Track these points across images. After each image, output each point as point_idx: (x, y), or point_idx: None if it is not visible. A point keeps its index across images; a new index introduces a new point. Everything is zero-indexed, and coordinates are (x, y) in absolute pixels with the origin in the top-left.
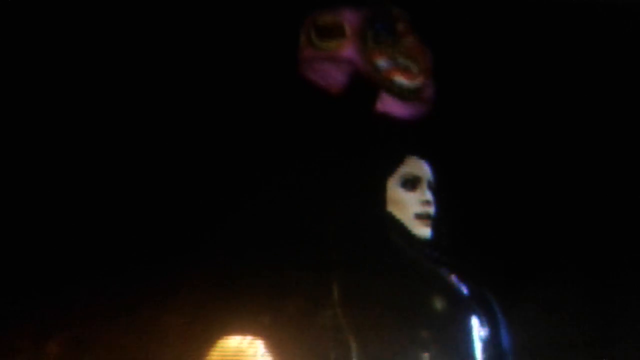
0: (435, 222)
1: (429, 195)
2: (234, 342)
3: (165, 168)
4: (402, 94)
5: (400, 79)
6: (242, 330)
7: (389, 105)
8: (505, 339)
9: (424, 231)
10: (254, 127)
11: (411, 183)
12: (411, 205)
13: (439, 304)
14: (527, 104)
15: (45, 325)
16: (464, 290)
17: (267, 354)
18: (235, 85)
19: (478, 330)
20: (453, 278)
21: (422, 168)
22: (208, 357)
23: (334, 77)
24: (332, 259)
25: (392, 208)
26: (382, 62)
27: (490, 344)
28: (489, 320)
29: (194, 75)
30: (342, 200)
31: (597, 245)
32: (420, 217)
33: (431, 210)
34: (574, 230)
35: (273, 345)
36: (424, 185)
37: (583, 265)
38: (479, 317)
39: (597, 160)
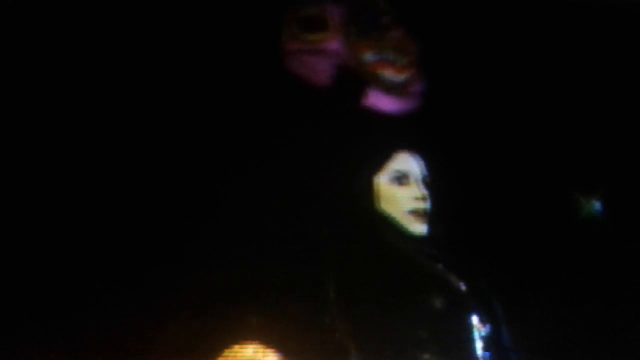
0: (431, 218)
1: (422, 191)
2: (247, 352)
3: (152, 183)
4: (389, 87)
5: (387, 73)
6: (248, 338)
7: (376, 99)
8: (506, 337)
9: (419, 227)
10: (242, 124)
11: (402, 179)
12: (404, 202)
13: (437, 302)
14: (520, 93)
15: (41, 349)
16: (462, 287)
17: None
18: (220, 81)
19: (478, 328)
20: (451, 275)
21: (412, 163)
22: None
23: (319, 70)
24: (325, 259)
25: (385, 205)
26: (367, 56)
27: (491, 342)
28: (488, 317)
29: (181, 73)
30: (331, 198)
31: (601, 239)
32: (414, 213)
33: (425, 206)
34: (576, 225)
35: (280, 352)
36: (416, 181)
37: (588, 260)
38: (479, 315)
39: (594, 150)
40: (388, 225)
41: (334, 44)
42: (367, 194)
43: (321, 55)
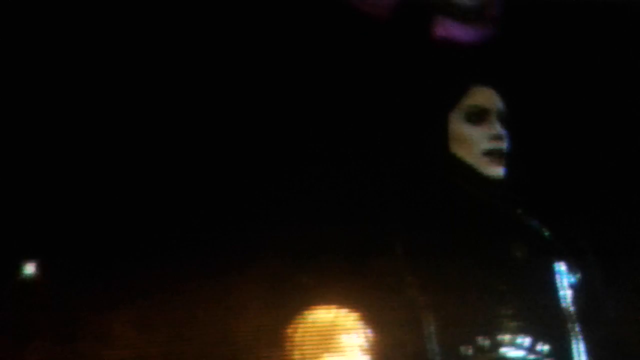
0: (509, 158)
1: (499, 129)
2: (328, 315)
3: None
4: (462, 14)
5: None
6: (326, 300)
7: (448, 28)
8: (599, 284)
9: (495, 170)
10: (305, 66)
11: (477, 116)
12: (479, 142)
13: (517, 251)
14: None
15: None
16: (547, 234)
17: (361, 326)
18: (277, 21)
19: (567, 277)
20: (532, 221)
21: (489, 98)
22: (302, 328)
23: (382, 1)
24: (394, 211)
25: (456, 147)
26: None
27: (583, 291)
28: (578, 264)
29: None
30: (399, 143)
31: None
32: (490, 154)
33: (503, 145)
34: None
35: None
36: (493, 118)
37: None
38: (567, 263)
39: None
40: (461, 169)
41: None
42: (439, 135)
43: None
